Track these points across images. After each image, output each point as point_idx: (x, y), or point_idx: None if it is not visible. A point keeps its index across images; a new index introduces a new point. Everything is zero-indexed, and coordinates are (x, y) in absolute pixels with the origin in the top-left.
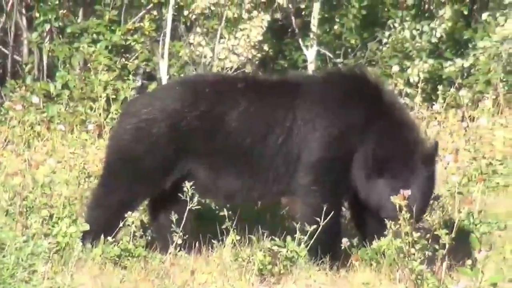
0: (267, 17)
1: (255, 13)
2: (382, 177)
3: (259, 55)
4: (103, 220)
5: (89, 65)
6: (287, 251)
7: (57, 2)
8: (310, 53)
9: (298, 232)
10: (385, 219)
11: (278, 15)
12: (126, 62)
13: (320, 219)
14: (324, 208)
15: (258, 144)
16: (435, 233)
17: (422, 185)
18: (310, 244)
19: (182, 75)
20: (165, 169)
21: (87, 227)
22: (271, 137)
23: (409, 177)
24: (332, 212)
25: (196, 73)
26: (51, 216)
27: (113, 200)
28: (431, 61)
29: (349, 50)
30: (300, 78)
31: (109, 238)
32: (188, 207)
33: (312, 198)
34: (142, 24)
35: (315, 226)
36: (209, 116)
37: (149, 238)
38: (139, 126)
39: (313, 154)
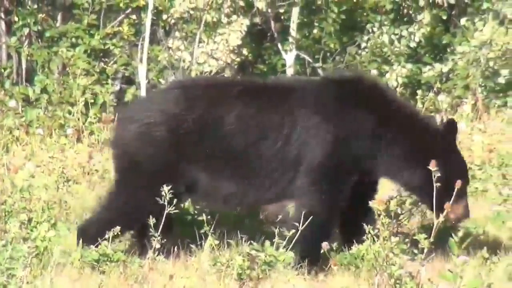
0: (246, 22)
1: (234, 17)
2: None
3: (238, 59)
4: (116, 224)
5: (67, 69)
6: (265, 256)
7: (35, 6)
8: (289, 57)
9: (276, 236)
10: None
11: (257, 20)
12: (105, 66)
13: (314, 222)
14: (315, 211)
15: (256, 148)
16: (414, 237)
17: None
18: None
19: (161, 79)
20: (169, 174)
21: (68, 232)
22: (269, 142)
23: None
24: (327, 216)
25: (198, 76)
26: (29, 220)
27: (127, 205)
28: (409, 65)
29: (328, 54)
30: (299, 82)
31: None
32: (165, 211)
33: (309, 199)
34: (121, 28)
35: (293, 231)
36: (207, 120)
37: (128, 242)
38: (141, 131)
39: (314, 159)
